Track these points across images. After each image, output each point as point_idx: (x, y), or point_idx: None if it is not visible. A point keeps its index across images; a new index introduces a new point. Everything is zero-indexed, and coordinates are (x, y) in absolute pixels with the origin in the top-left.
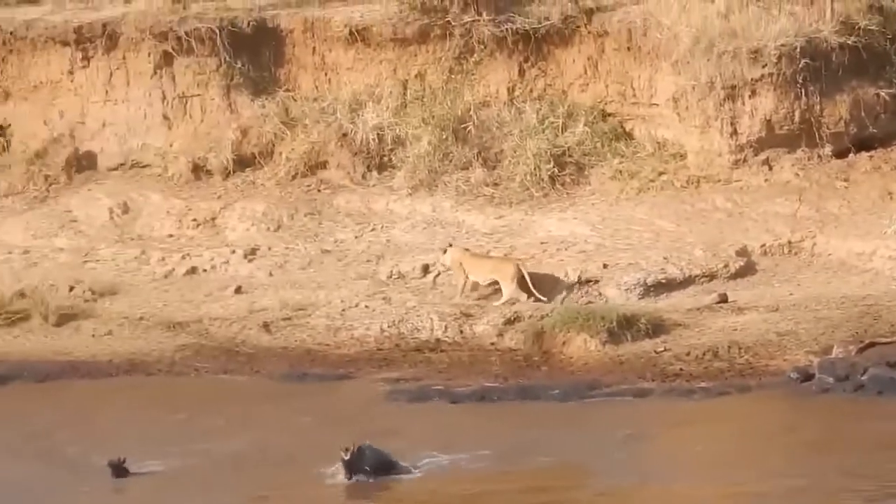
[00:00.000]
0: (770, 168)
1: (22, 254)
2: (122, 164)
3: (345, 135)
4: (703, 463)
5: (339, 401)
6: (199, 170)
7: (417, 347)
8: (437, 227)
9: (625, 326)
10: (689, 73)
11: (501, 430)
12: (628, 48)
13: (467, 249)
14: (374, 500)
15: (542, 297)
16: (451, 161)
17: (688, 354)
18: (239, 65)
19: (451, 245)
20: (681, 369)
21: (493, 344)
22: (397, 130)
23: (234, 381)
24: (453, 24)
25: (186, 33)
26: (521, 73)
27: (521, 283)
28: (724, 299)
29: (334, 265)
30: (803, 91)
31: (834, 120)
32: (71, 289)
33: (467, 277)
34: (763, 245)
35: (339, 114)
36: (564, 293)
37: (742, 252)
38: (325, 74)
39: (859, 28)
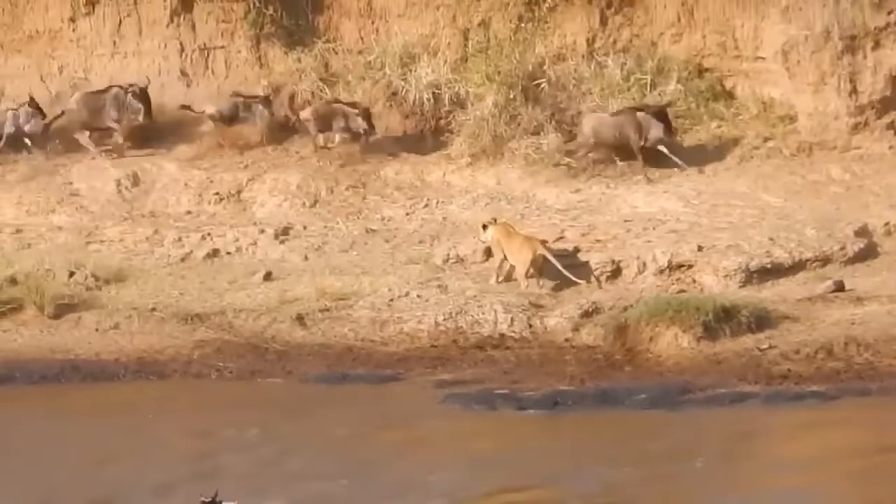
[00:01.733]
0: None
1: (14, 233)
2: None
3: (394, 93)
4: (812, 484)
5: (385, 407)
6: None
7: (478, 344)
8: (502, 202)
9: (723, 320)
10: (802, 21)
11: (577, 444)
12: None
13: (511, 226)
14: None
15: (578, 279)
16: (519, 125)
17: (797, 353)
18: (270, 11)
19: (494, 220)
20: (789, 370)
21: (567, 340)
22: (456, 88)
23: (263, 384)
24: None
25: None
26: (603, 21)
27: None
28: (840, 288)
29: (381, 247)
30: None
31: None
32: (71, 274)
33: (505, 258)
34: (887, 224)
35: (388, 69)
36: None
37: (862, 232)
38: (372, 23)
39: None
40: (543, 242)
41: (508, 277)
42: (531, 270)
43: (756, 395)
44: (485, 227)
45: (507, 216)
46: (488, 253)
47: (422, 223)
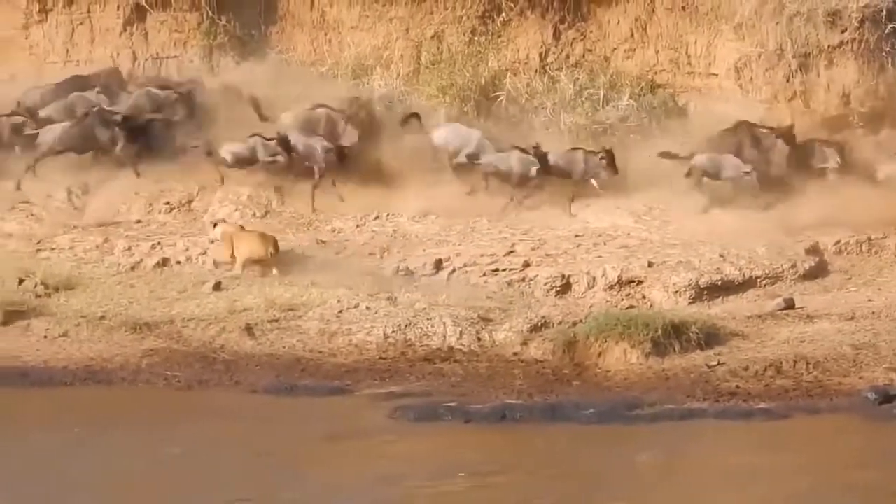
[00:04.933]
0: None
1: None
2: None
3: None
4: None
5: (332, 419)
6: None
7: (427, 357)
8: (453, 216)
9: (672, 336)
10: (755, 38)
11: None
12: (683, 8)
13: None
14: None
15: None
16: None
17: (746, 370)
18: (223, 21)
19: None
20: (737, 387)
21: (516, 354)
22: (409, 101)
23: (210, 394)
24: None
25: None
26: (556, 35)
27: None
28: (790, 305)
29: (331, 259)
30: (890, 61)
31: None
32: (20, 282)
33: (233, 255)
34: (837, 242)
35: (340, 80)
36: None
37: (813, 250)
38: (325, 34)
39: None
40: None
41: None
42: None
43: (705, 412)
44: (214, 224)
45: (457, 231)
46: (438, 266)
47: (372, 235)
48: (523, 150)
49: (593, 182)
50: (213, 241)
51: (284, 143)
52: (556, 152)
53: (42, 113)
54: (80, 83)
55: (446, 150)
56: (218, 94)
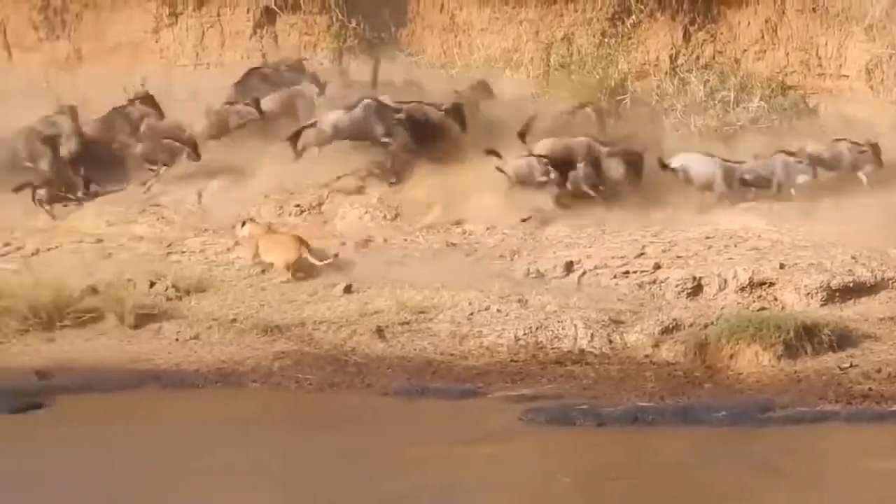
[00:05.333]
0: None
1: (94, 243)
2: (213, 137)
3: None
4: None
5: (463, 422)
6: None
7: (558, 359)
8: (584, 216)
9: (804, 338)
10: (886, 39)
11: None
12: (813, 9)
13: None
14: None
15: None
16: None
17: (878, 372)
18: (353, 24)
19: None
20: (870, 389)
21: (647, 356)
22: (539, 102)
23: (342, 396)
24: None
25: None
26: (687, 37)
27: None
28: None
29: (462, 261)
30: None
31: None
32: (151, 285)
33: (257, 255)
34: None
35: (469, 82)
36: None
37: None
38: (455, 36)
39: None
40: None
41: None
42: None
43: (837, 414)
44: (243, 223)
45: (588, 232)
46: (569, 268)
47: (503, 237)
48: (790, 154)
49: (861, 176)
50: (240, 241)
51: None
52: (815, 147)
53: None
54: (262, 76)
55: (694, 182)
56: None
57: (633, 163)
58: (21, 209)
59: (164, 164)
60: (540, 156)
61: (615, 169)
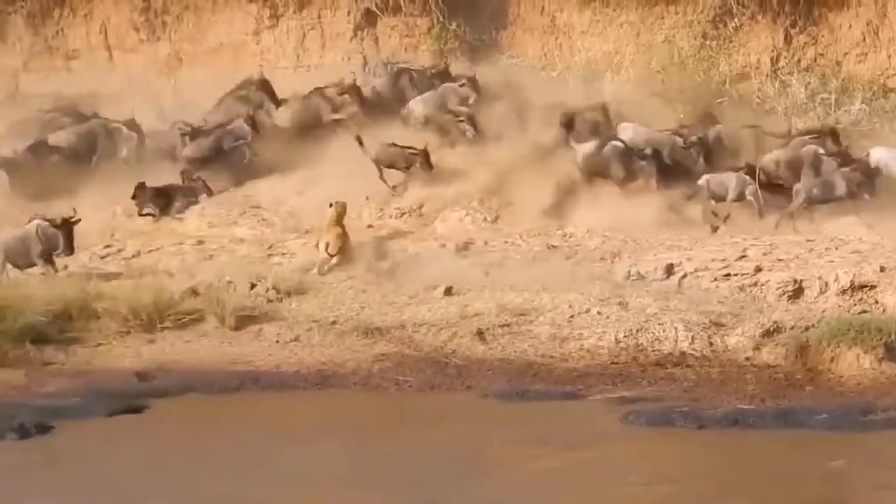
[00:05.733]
0: None
1: (195, 245)
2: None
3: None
4: None
5: (563, 424)
6: None
7: (658, 362)
8: (684, 219)
9: None
10: None
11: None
12: None
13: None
14: None
15: None
16: None
17: None
18: (454, 26)
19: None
20: None
21: (748, 359)
22: (640, 106)
23: (442, 398)
24: None
25: None
26: (788, 39)
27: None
28: None
29: (562, 263)
30: None
31: None
32: (252, 286)
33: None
34: None
35: (570, 85)
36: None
37: None
38: (556, 39)
39: None
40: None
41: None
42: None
43: None
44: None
45: (689, 235)
46: (669, 271)
47: (603, 240)
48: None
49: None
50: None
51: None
52: None
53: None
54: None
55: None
56: None
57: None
58: (122, 211)
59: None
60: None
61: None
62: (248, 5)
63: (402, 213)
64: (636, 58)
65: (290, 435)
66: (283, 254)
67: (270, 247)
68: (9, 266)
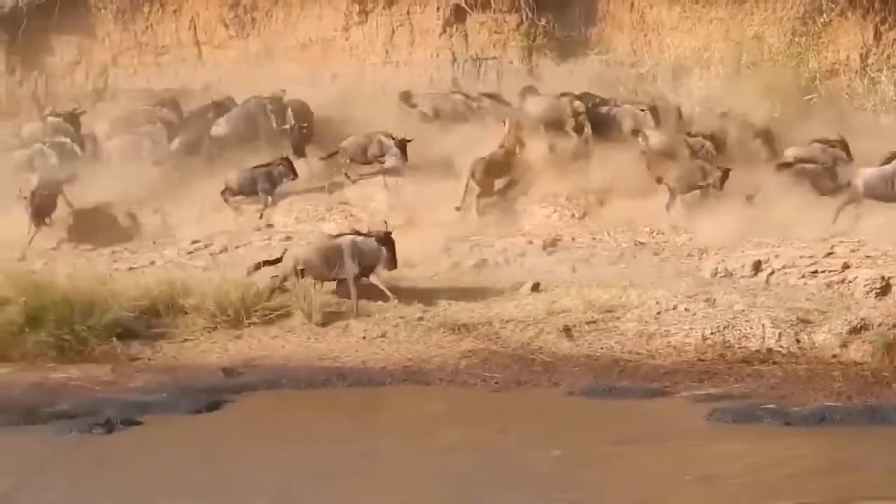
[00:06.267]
0: None
1: (283, 240)
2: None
3: (665, 108)
4: None
5: (650, 420)
6: None
7: (745, 358)
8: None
9: None
10: None
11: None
12: None
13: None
14: None
15: None
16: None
17: None
18: (543, 22)
19: None
20: None
21: (835, 356)
22: (729, 103)
23: (529, 394)
24: None
25: None
26: (878, 36)
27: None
28: None
29: (649, 260)
30: None
31: None
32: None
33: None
34: None
35: (660, 81)
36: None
37: None
38: (645, 35)
39: None
40: None
41: None
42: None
43: None
44: None
45: (776, 234)
46: (757, 268)
47: (690, 237)
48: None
49: None
50: None
51: None
52: None
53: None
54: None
55: None
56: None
57: None
58: (210, 206)
59: None
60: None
61: None
62: (337, 1)
63: (488, 209)
64: (725, 54)
65: (376, 430)
66: None
67: None
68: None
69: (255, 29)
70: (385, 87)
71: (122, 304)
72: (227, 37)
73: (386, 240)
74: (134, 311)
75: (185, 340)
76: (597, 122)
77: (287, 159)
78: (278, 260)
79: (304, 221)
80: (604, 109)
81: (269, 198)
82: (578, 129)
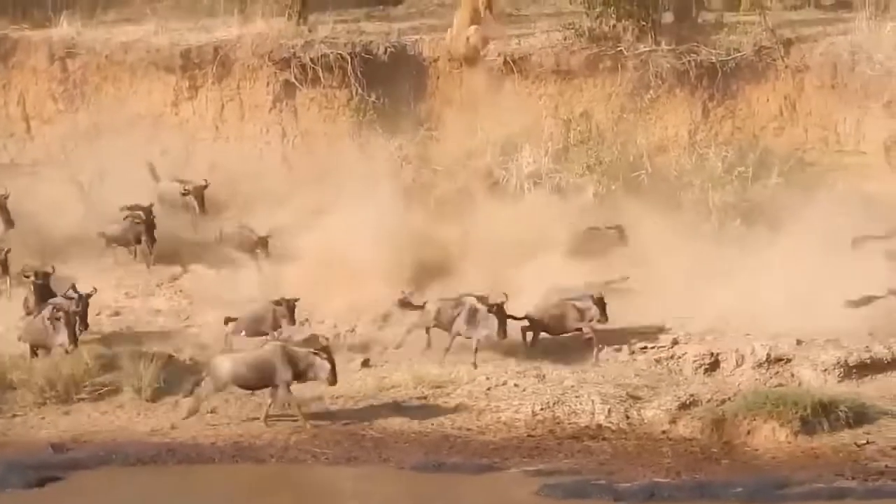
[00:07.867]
0: None
1: (111, 315)
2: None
3: (495, 183)
4: None
5: (480, 496)
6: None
7: (575, 434)
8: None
9: (821, 414)
10: None
11: None
12: (832, 86)
13: None
14: None
15: None
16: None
17: (895, 449)
18: (373, 98)
19: None
20: (887, 466)
21: (664, 432)
22: (557, 179)
23: (359, 472)
24: (626, 54)
25: (312, 60)
26: (706, 113)
27: None
28: None
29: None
30: None
31: None
32: (169, 357)
33: None
34: None
35: (489, 157)
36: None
37: None
38: (476, 111)
39: None
40: None
41: None
42: None
43: (854, 491)
44: None
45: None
46: None
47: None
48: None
49: None
50: None
51: None
52: None
53: None
54: None
55: None
56: None
57: None
58: None
59: None
60: None
61: None
62: (167, 76)
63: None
64: (554, 130)
65: None
66: (201, 325)
67: (187, 318)
68: None
69: (84, 104)
70: (215, 163)
71: None
72: (56, 111)
73: (498, 310)
74: None
75: (14, 416)
76: None
77: None
78: None
79: (134, 297)
80: None
81: None
82: None
